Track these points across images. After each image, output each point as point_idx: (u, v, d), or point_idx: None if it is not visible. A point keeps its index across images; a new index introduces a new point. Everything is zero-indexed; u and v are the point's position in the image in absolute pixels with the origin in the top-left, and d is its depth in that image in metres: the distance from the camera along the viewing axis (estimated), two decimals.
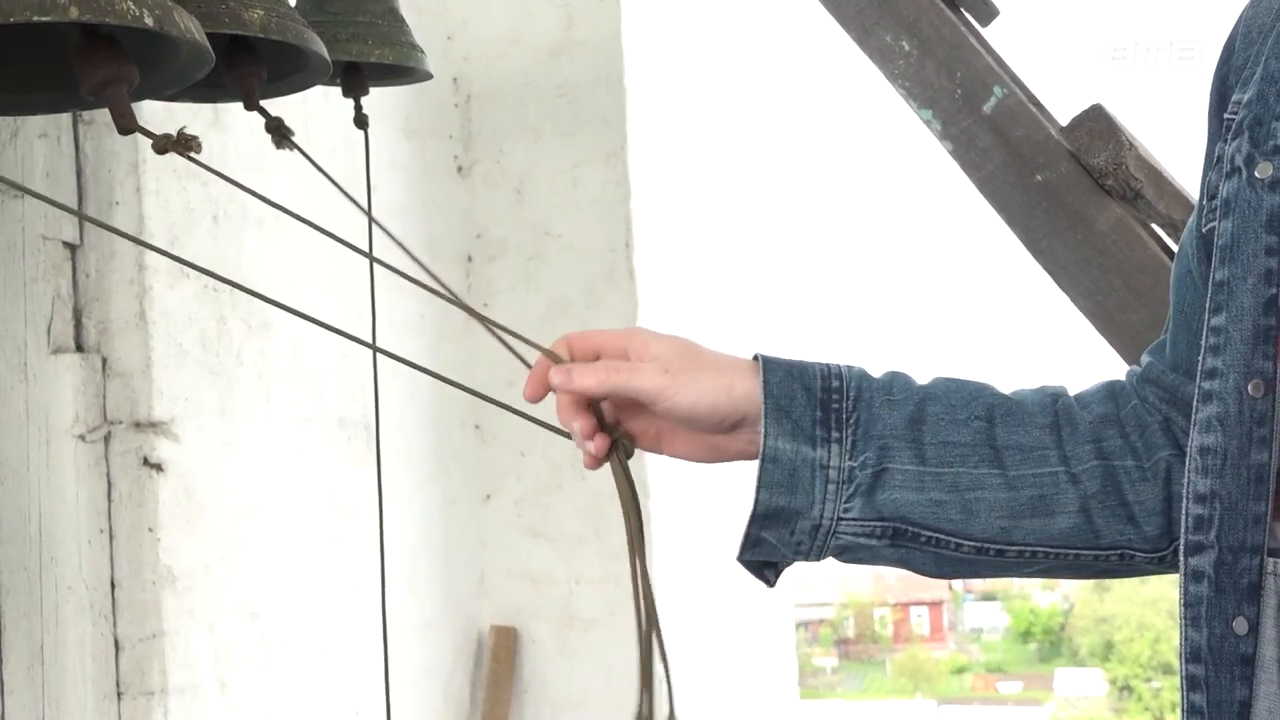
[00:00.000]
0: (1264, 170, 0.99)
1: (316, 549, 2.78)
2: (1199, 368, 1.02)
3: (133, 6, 1.22)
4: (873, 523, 1.14)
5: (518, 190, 3.36)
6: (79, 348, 2.46)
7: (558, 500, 3.28)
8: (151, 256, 2.48)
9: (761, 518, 1.14)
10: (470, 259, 3.34)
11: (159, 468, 2.44)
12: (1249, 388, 0.98)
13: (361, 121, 1.87)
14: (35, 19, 1.20)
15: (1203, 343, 1.02)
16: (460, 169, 3.38)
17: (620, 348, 1.13)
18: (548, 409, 1.14)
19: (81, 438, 2.40)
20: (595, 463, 1.14)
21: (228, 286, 2.64)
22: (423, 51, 1.89)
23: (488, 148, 3.39)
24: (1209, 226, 1.05)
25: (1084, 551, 1.16)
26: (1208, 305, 1.02)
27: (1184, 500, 1.02)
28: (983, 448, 1.15)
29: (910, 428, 1.15)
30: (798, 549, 1.15)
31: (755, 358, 1.15)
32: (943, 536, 1.14)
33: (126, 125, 1.24)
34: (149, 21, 1.22)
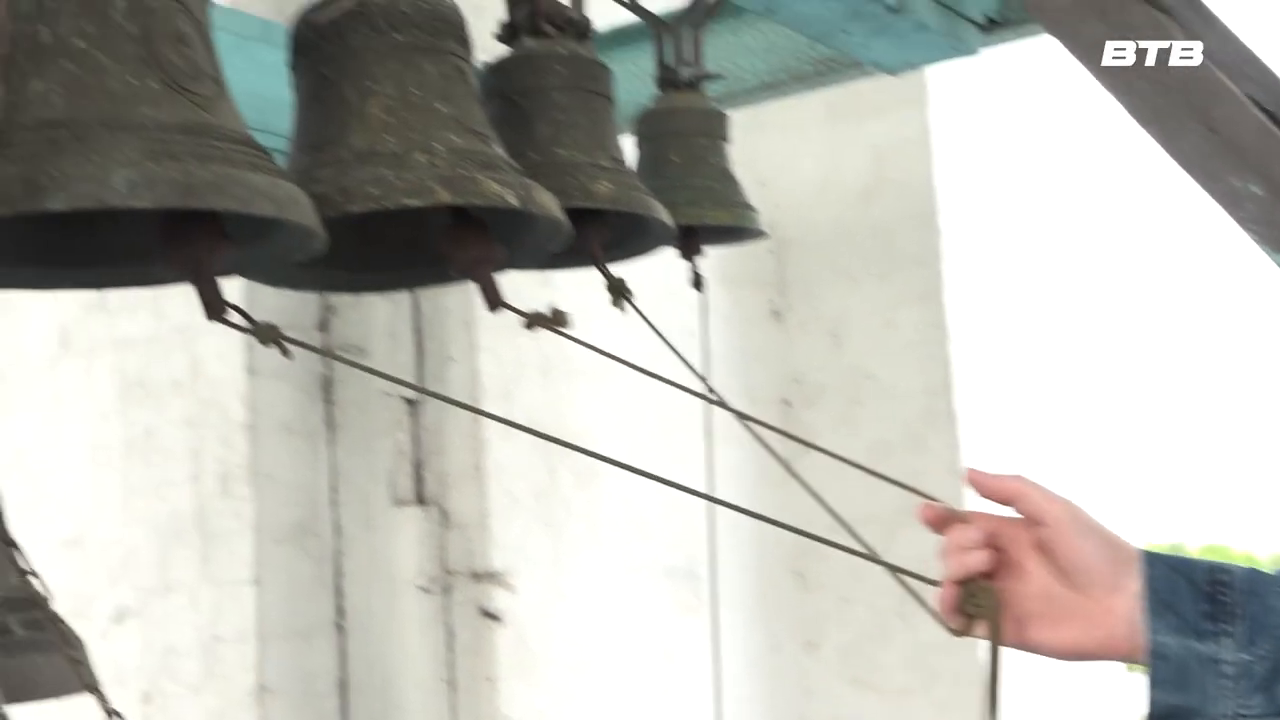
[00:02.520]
0: None
1: (647, 698, 2.79)
2: None
3: (498, 188, 1.27)
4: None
5: (834, 334, 3.35)
6: (420, 500, 2.55)
7: (884, 649, 3.20)
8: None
9: (1159, 719, 1.11)
10: (788, 403, 3.34)
11: (496, 618, 2.49)
12: None
13: (699, 283, 1.89)
14: (407, 203, 1.27)
15: None
16: (776, 314, 3.40)
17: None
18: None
19: (424, 589, 2.48)
20: (958, 606, 1.15)
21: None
22: (756, 211, 1.91)
23: (802, 293, 3.40)
24: None
25: None
26: None
27: None
28: None
29: None
30: None
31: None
32: None
33: (496, 302, 1.29)
34: (513, 201, 1.27)
